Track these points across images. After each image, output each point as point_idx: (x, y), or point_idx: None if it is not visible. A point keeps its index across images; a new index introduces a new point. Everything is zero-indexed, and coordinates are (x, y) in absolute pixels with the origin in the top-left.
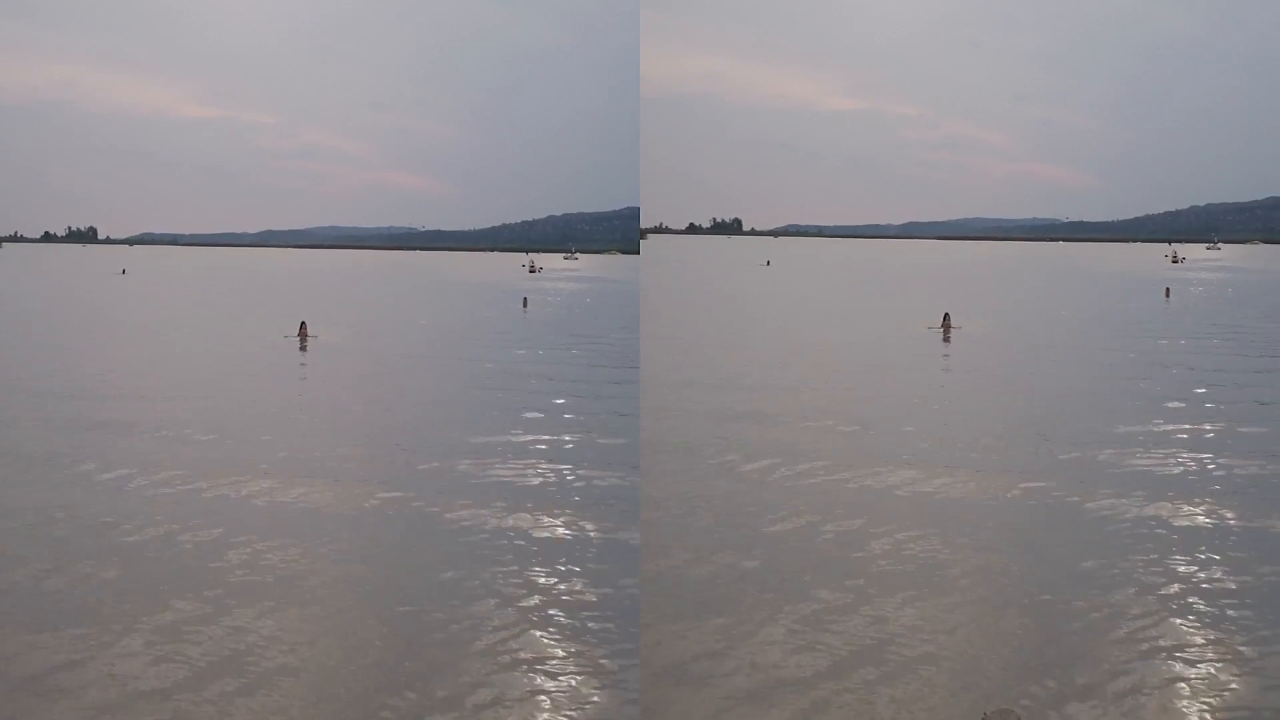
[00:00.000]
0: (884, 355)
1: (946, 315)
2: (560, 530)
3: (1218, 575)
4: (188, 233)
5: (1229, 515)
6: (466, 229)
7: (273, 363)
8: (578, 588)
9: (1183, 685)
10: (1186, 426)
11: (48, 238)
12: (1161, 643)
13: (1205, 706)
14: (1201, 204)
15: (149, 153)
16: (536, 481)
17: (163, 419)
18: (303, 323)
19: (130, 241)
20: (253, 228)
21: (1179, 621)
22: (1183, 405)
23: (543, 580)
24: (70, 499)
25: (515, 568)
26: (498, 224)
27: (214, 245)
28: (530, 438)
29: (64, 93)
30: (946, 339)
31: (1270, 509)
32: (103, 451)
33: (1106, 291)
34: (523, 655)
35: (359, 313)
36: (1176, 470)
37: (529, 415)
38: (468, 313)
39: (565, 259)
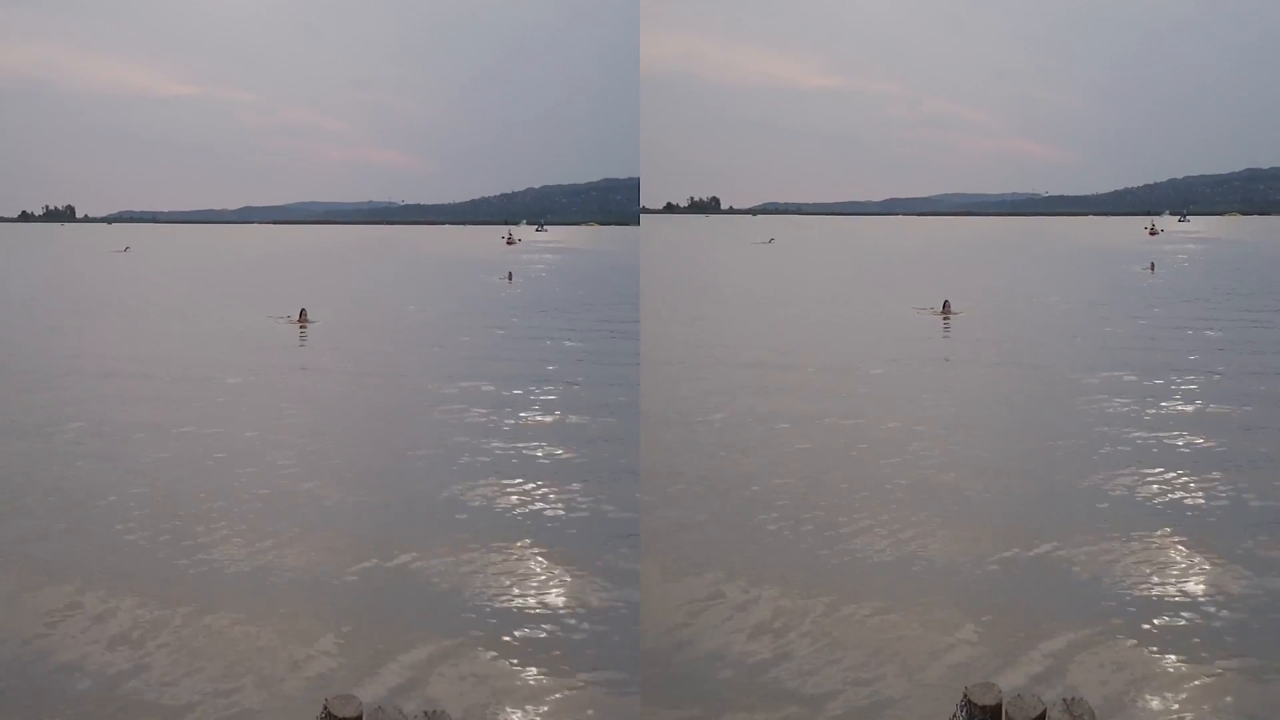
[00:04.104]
0: (890, 341)
1: (946, 302)
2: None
3: (1206, 559)
4: (166, 210)
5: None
6: (445, 203)
7: (275, 349)
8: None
9: (1165, 666)
10: (1190, 413)
11: (25, 217)
12: (1146, 620)
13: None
14: (1180, 177)
15: (128, 131)
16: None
17: (184, 421)
18: (303, 309)
19: (109, 220)
20: (232, 205)
21: (1166, 608)
22: (1187, 394)
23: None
24: (77, 519)
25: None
26: (476, 197)
27: (193, 223)
28: (531, 435)
29: (42, 72)
30: (946, 323)
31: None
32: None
33: (1091, 267)
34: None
35: (351, 293)
36: (1178, 466)
37: (529, 403)
38: (455, 288)
39: (537, 231)
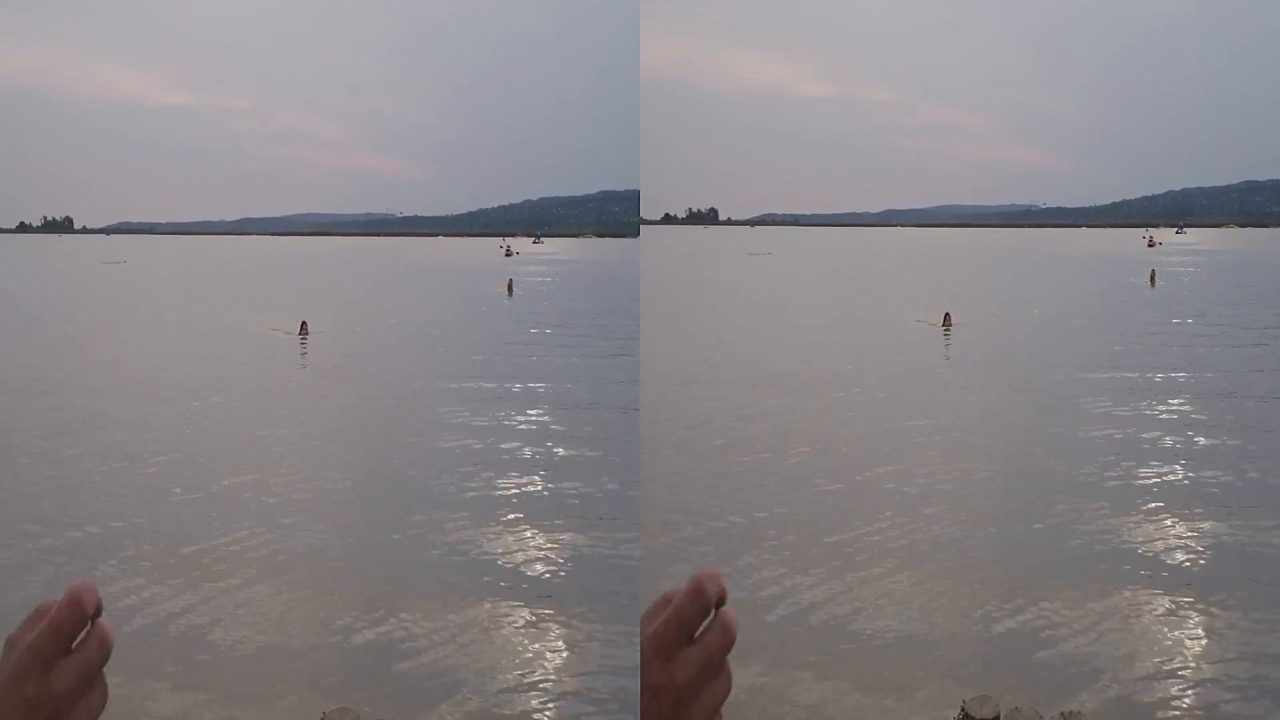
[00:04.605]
0: (892, 354)
1: (947, 314)
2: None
3: (1205, 570)
4: (165, 221)
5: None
6: (443, 214)
7: (275, 362)
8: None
9: (1166, 682)
10: (1194, 441)
11: (23, 228)
12: (1142, 631)
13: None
14: (1178, 188)
15: (125, 139)
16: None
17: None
18: (303, 321)
19: (107, 231)
20: (230, 215)
21: (1164, 616)
22: (1192, 418)
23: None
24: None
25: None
26: (475, 209)
27: (192, 234)
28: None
29: (39, 79)
30: (947, 336)
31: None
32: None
33: (1091, 277)
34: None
35: (351, 304)
36: (1172, 478)
37: (531, 426)
38: (455, 299)
39: (534, 243)
